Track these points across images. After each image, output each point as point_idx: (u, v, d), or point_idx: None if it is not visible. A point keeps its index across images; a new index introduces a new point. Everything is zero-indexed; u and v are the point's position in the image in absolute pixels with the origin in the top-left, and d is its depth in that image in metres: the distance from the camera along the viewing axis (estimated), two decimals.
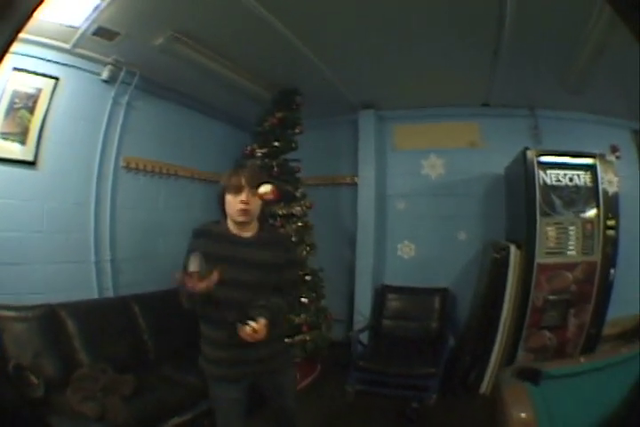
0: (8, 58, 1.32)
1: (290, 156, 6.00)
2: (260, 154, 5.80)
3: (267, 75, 5.62)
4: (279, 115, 5.84)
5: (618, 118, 6.01)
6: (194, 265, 2.51)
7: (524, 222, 5.15)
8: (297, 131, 6.03)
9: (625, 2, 1.30)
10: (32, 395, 3.36)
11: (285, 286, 2.97)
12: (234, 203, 2.75)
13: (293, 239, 5.56)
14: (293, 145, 5.99)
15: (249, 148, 5.90)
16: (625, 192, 5.26)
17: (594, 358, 3.84)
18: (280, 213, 5.62)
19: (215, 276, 2.49)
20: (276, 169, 5.72)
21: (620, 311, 5.21)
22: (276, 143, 5.84)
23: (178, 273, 2.54)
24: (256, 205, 2.81)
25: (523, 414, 2.47)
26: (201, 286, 2.46)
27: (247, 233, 2.87)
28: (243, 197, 2.73)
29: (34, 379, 3.44)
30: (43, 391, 3.43)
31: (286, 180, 5.79)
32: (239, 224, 2.83)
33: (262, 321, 2.56)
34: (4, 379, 1.56)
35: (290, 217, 5.72)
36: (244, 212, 2.74)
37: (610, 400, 1.49)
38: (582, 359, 3.65)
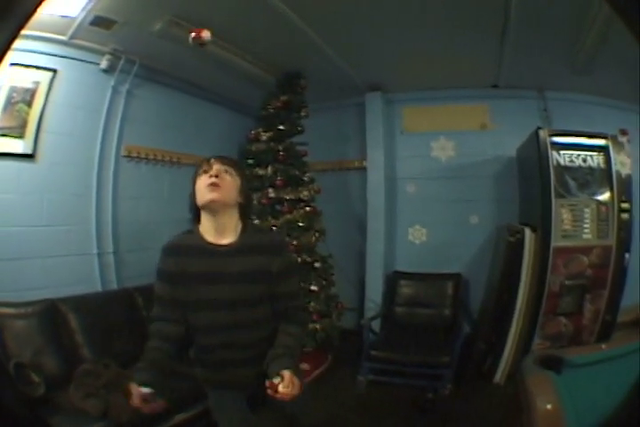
0: (9, 55, 1.25)
1: (296, 139, 5.90)
2: (265, 138, 5.71)
3: (270, 58, 5.51)
4: (284, 98, 5.75)
5: (627, 102, 5.90)
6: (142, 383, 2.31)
7: (538, 204, 5.04)
8: (302, 114, 5.94)
9: (625, 2, 1.24)
10: (33, 394, 3.28)
11: (288, 298, 2.58)
12: (203, 182, 2.37)
13: (302, 224, 5.52)
14: (299, 128, 5.91)
15: (253, 132, 5.82)
16: (634, 176, 5.13)
17: (614, 344, 3.74)
18: (287, 197, 5.54)
19: (161, 406, 2.33)
20: (282, 153, 5.63)
21: (632, 297, 5.09)
22: (282, 127, 5.74)
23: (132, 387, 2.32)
24: (230, 182, 2.41)
25: (549, 406, 2.41)
26: (144, 409, 2.29)
27: (226, 239, 2.45)
28: (212, 171, 2.36)
29: (34, 377, 3.38)
30: (44, 390, 3.36)
31: (293, 164, 5.72)
32: (213, 214, 2.41)
33: (287, 374, 2.23)
34: (5, 378, 1.48)
35: (297, 202, 5.63)
36: (214, 185, 2.33)
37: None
38: (603, 346, 3.55)
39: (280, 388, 2.18)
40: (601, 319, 4.96)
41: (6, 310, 3.79)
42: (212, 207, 2.38)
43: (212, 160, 2.42)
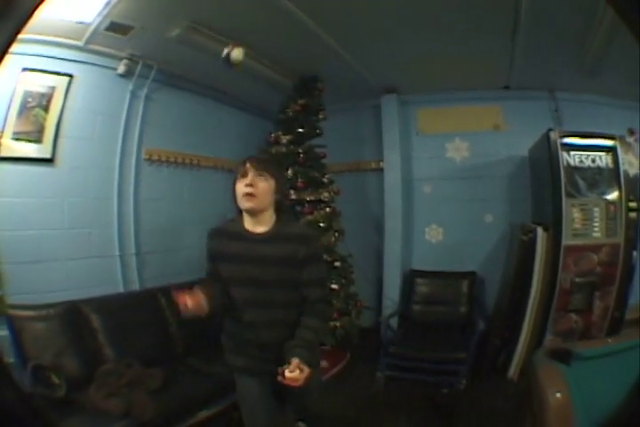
0: (8, 58, 1.32)
1: (314, 142, 5.98)
2: (284, 141, 5.79)
3: (287, 62, 5.59)
4: (302, 101, 5.84)
5: (635, 102, 5.96)
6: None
7: (550, 204, 5.11)
8: (320, 117, 6.02)
9: (625, 2, 1.29)
10: (53, 395, 3.36)
11: (311, 287, 2.76)
12: (240, 188, 2.65)
13: (322, 225, 5.61)
14: (318, 131, 5.99)
15: (273, 135, 5.90)
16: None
17: (621, 339, 3.82)
18: (308, 199, 5.64)
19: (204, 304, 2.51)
20: (302, 155, 5.73)
21: (637, 294, 5.16)
22: (301, 130, 5.83)
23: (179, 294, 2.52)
24: (264, 189, 2.66)
25: (558, 394, 2.47)
26: (190, 309, 2.47)
27: (261, 228, 2.75)
28: (247, 179, 2.61)
29: (55, 379, 3.45)
30: (64, 391, 3.43)
31: (312, 166, 5.81)
32: (251, 215, 2.72)
33: (295, 361, 2.43)
34: (6, 379, 1.56)
35: (318, 203, 5.71)
36: (249, 195, 2.60)
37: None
38: (610, 340, 3.63)
39: (286, 373, 2.38)
40: (610, 316, 5.01)
41: (25, 312, 3.86)
42: (249, 212, 2.70)
43: (248, 165, 2.66)
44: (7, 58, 1.29)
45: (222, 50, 4.62)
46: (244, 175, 2.65)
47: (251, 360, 2.86)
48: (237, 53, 4.58)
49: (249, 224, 2.75)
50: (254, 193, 2.61)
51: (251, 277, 2.71)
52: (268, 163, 2.81)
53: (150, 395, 3.63)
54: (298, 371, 2.39)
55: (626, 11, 1.29)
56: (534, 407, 2.69)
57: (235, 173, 2.73)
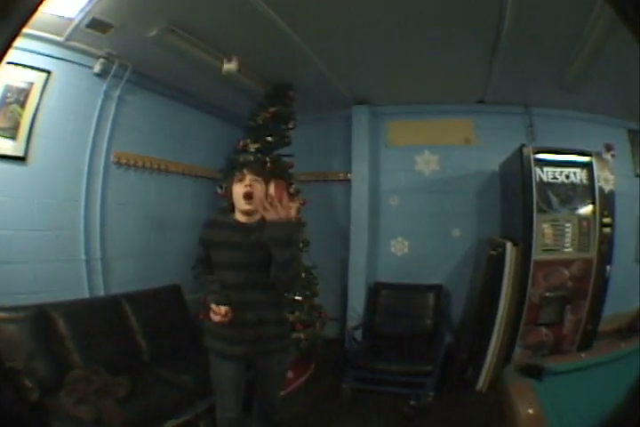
0: (10, 54, 1.29)
1: (283, 151, 5.95)
2: (252, 149, 5.73)
3: (261, 69, 5.54)
4: (272, 109, 5.79)
5: (614, 118, 6.02)
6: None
7: (520, 219, 5.16)
8: (290, 126, 5.97)
9: (625, 2, 1.26)
10: (26, 399, 3.26)
11: (278, 266, 2.92)
12: (239, 189, 3.04)
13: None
14: (287, 140, 5.96)
15: (241, 142, 5.82)
16: (620, 190, 5.25)
17: (594, 353, 3.82)
18: None
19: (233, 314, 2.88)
20: (269, 164, 5.65)
21: (614, 308, 5.22)
22: (270, 138, 5.79)
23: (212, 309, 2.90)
24: (259, 190, 3.06)
25: (530, 411, 2.47)
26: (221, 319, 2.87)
27: (251, 219, 3.10)
28: (246, 181, 3.03)
29: (28, 382, 3.38)
30: (37, 395, 3.36)
31: (280, 175, 5.70)
32: (247, 214, 3.09)
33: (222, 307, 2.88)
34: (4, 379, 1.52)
35: None
36: (248, 196, 3.00)
37: (614, 395, 1.48)
38: (583, 355, 3.63)
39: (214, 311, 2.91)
40: (582, 329, 5.07)
41: None
42: (247, 213, 3.10)
43: (245, 171, 3.09)
44: (9, 53, 1.27)
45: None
46: (242, 179, 3.06)
47: (229, 344, 3.06)
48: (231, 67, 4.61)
49: (241, 217, 3.12)
50: (252, 194, 3.01)
51: (242, 262, 3.01)
52: (262, 169, 3.49)
53: (118, 403, 3.59)
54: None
55: (625, 10, 1.26)
56: (506, 424, 2.67)
57: (233, 178, 3.13)
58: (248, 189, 3.01)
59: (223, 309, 2.86)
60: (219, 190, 5.73)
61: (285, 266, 2.87)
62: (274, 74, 5.71)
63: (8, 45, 1.30)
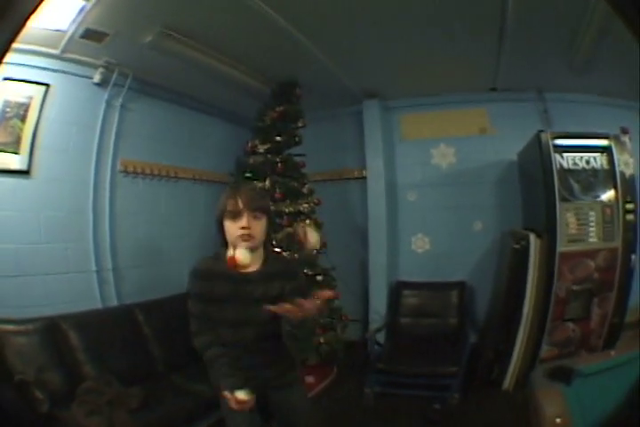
0: (2, 68, 1.22)
1: (294, 151, 5.84)
2: (262, 150, 5.62)
3: (264, 68, 5.45)
4: (279, 108, 5.66)
5: (626, 100, 5.85)
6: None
7: (542, 209, 4.98)
8: (300, 124, 5.85)
9: (625, 2, 1.25)
10: (37, 411, 3.28)
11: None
12: (234, 230, 2.52)
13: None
14: (297, 139, 5.83)
15: (250, 144, 5.71)
16: (637, 175, 5.07)
17: (623, 351, 3.69)
18: (287, 210, 5.44)
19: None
20: (280, 165, 5.54)
21: (638, 298, 5.02)
22: (279, 138, 5.67)
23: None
24: (259, 229, 2.57)
25: (558, 420, 2.36)
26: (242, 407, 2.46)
27: (251, 268, 2.61)
28: (243, 222, 2.50)
29: (38, 394, 3.37)
30: (48, 407, 3.34)
31: (291, 175, 5.63)
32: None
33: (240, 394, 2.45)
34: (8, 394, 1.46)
35: (297, 215, 5.53)
36: (247, 238, 2.50)
37: None
38: (612, 353, 3.50)
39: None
40: (609, 322, 4.91)
41: (7, 326, 3.79)
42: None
43: (241, 206, 2.51)
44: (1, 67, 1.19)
45: None
46: (238, 216, 2.51)
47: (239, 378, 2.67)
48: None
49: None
50: (252, 235, 2.52)
51: (243, 318, 2.63)
52: (260, 199, 2.67)
53: (131, 414, 3.58)
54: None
55: (625, 10, 1.26)
56: None
57: (223, 208, 2.55)
58: (246, 231, 2.51)
59: (242, 395, 2.44)
60: None
61: (300, 325, 2.59)
62: (278, 72, 5.61)
63: (8, 46, 1.35)
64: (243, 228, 2.48)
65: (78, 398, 3.54)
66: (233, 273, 2.56)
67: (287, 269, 2.79)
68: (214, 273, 2.63)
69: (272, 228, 2.81)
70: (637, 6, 1.18)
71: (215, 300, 2.61)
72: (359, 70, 5.66)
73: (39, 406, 3.30)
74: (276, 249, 5.14)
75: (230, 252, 2.50)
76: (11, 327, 3.80)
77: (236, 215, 2.50)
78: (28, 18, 1.23)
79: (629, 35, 1.22)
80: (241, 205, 2.50)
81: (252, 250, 2.53)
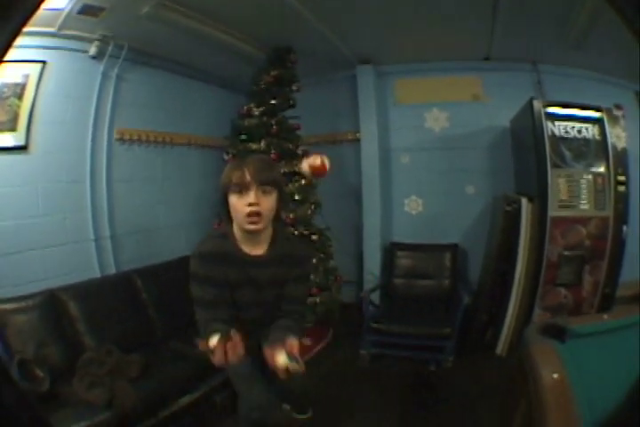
0: (2, 68, 1.25)
1: (289, 114, 5.87)
2: (257, 113, 5.65)
3: (259, 34, 5.42)
4: (274, 73, 5.68)
5: (621, 78, 5.87)
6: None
7: (534, 175, 5.03)
8: (294, 88, 5.89)
9: (625, 2, 1.24)
10: (38, 389, 3.27)
11: (293, 302, 2.59)
12: (240, 206, 2.25)
13: (298, 197, 5.53)
14: (291, 102, 5.86)
15: (245, 107, 5.75)
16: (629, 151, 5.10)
17: (616, 315, 3.76)
18: (282, 171, 5.44)
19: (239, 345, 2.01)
20: (275, 127, 5.59)
21: (630, 271, 5.09)
22: (273, 101, 5.69)
23: (201, 342, 2.09)
24: (269, 206, 2.30)
25: (555, 375, 2.39)
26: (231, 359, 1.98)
27: (258, 250, 2.45)
28: (251, 197, 2.23)
29: (39, 372, 3.37)
30: (48, 385, 3.34)
31: (286, 137, 5.69)
32: (249, 234, 2.39)
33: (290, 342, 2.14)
34: (6, 377, 1.46)
35: (292, 175, 5.58)
36: (255, 216, 2.25)
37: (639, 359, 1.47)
38: (605, 316, 3.57)
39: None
40: (600, 292, 4.98)
41: (7, 305, 3.76)
42: (252, 233, 2.38)
43: (249, 178, 2.25)
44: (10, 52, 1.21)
45: None
46: (245, 190, 2.25)
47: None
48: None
49: (245, 244, 2.44)
50: (260, 212, 2.26)
51: (248, 301, 2.51)
52: (271, 171, 2.37)
53: (131, 383, 3.58)
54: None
55: (625, 10, 1.24)
56: (529, 388, 2.62)
57: (227, 182, 2.29)
58: (254, 208, 2.23)
59: (213, 340, 2.00)
60: (225, 157, 5.67)
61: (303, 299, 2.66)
62: (272, 38, 5.57)
63: (8, 45, 1.21)
64: (250, 204, 2.22)
65: (79, 371, 3.55)
66: (242, 257, 2.41)
67: (296, 252, 2.59)
68: (220, 256, 2.39)
69: (283, 204, 2.51)
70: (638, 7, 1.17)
71: (224, 283, 2.39)
72: (353, 36, 5.61)
73: (40, 385, 3.29)
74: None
75: (236, 235, 2.43)
76: (10, 306, 3.77)
77: (242, 189, 2.24)
78: (28, 18, 1.24)
79: (630, 36, 1.25)
80: (248, 177, 2.23)
81: (259, 232, 2.37)
